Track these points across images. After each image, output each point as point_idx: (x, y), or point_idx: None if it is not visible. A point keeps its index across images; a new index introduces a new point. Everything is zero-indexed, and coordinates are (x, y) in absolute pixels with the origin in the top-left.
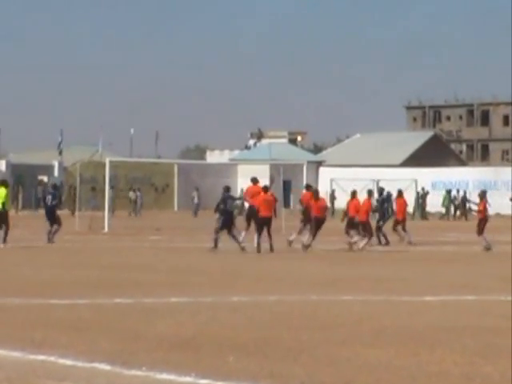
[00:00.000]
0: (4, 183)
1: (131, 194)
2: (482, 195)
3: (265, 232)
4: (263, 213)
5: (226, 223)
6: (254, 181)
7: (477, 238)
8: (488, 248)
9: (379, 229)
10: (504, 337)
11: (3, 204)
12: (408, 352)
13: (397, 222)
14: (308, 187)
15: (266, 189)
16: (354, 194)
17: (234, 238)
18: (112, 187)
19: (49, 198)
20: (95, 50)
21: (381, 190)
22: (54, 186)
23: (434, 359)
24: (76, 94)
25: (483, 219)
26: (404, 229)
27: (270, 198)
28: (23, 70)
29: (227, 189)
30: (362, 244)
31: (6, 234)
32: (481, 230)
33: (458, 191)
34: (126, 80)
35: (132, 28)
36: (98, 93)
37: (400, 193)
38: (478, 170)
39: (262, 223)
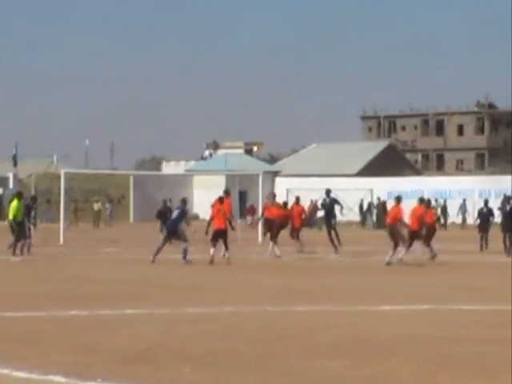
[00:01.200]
0: (18, 195)
1: (96, 206)
2: (428, 204)
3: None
4: (216, 225)
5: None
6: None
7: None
8: (434, 257)
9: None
10: (460, 346)
11: (14, 216)
12: (364, 362)
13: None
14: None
15: (221, 200)
16: (297, 199)
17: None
18: (75, 200)
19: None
20: (50, 61)
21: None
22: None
23: (390, 369)
24: (31, 105)
25: (432, 229)
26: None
27: (225, 209)
28: None
29: (184, 201)
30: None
31: (15, 245)
32: (429, 239)
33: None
34: (81, 91)
35: (87, 39)
36: (52, 104)
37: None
38: (433, 180)
39: (216, 235)
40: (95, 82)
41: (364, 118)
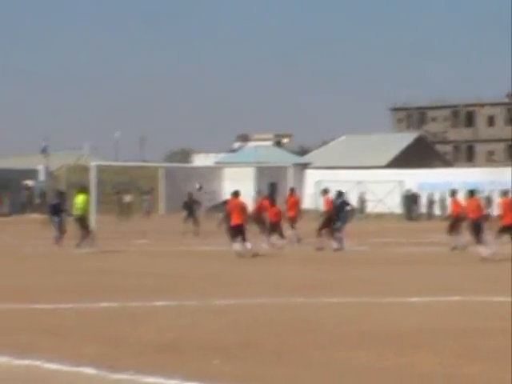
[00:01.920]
0: (84, 190)
1: (127, 198)
2: (452, 195)
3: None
4: (234, 221)
5: None
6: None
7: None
8: (455, 248)
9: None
10: (488, 338)
11: (82, 210)
12: (391, 354)
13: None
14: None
15: (236, 195)
16: (325, 191)
17: None
18: (118, 192)
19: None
20: (81, 55)
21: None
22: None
23: (417, 361)
24: (61, 98)
25: (456, 218)
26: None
27: (241, 204)
28: (7, 75)
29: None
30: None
31: (82, 239)
32: (452, 229)
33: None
34: (112, 84)
35: (117, 33)
36: (83, 97)
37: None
38: (463, 171)
39: (234, 231)
40: (126, 74)
41: (394, 110)
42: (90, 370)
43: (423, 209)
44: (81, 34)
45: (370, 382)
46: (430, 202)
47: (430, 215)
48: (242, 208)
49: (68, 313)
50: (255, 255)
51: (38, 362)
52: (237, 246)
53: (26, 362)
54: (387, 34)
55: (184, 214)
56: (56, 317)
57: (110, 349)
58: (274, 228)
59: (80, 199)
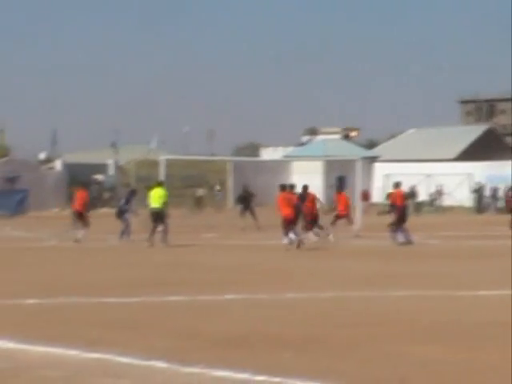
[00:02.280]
0: (160, 184)
1: (199, 191)
2: None
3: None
4: (284, 214)
5: None
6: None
7: None
8: None
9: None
10: None
11: (161, 203)
12: (461, 347)
13: None
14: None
15: (284, 188)
16: (397, 185)
17: None
18: (190, 186)
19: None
20: (145, 50)
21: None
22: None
23: (487, 354)
24: (130, 93)
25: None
26: None
27: (290, 196)
28: (76, 72)
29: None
30: None
31: (165, 233)
32: None
33: None
34: (180, 78)
35: (183, 27)
36: (151, 91)
37: None
38: None
39: (286, 224)
40: (194, 69)
41: (463, 102)
42: (160, 364)
43: (492, 201)
44: (143, 29)
45: (440, 376)
46: (497, 195)
47: (498, 208)
48: (290, 201)
49: (138, 306)
50: (299, 247)
51: (108, 356)
52: (287, 238)
53: (97, 355)
54: (456, 26)
55: (240, 207)
56: (126, 311)
57: (180, 342)
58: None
59: (158, 193)
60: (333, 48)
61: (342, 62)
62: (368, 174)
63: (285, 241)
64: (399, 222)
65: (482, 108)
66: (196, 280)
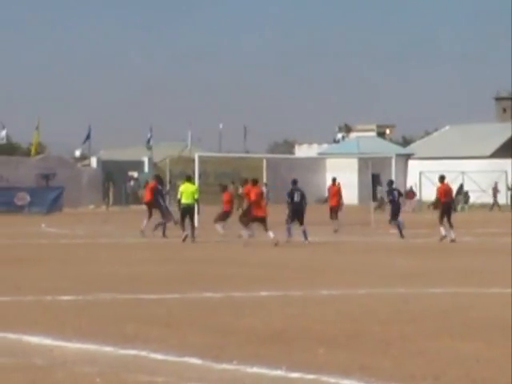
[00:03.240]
0: (190, 179)
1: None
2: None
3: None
4: (255, 212)
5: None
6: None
7: None
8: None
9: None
10: None
11: (192, 199)
12: (498, 344)
13: None
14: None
15: (255, 183)
16: (442, 178)
17: None
18: (233, 182)
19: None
20: (182, 47)
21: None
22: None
23: None
24: (165, 90)
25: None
26: None
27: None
28: (111, 70)
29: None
30: None
31: (192, 229)
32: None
33: None
34: (215, 76)
35: (214, 27)
36: (187, 89)
37: None
38: None
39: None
40: (229, 67)
41: (498, 99)
42: (195, 360)
43: None
44: (181, 28)
45: (476, 372)
46: None
47: None
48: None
49: (173, 303)
50: (277, 244)
51: (143, 352)
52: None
53: (133, 351)
54: (494, 22)
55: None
56: (161, 307)
57: (215, 339)
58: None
59: (190, 188)
60: (367, 45)
61: (376, 59)
62: (403, 171)
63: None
64: (442, 217)
65: None
66: (231, 276)
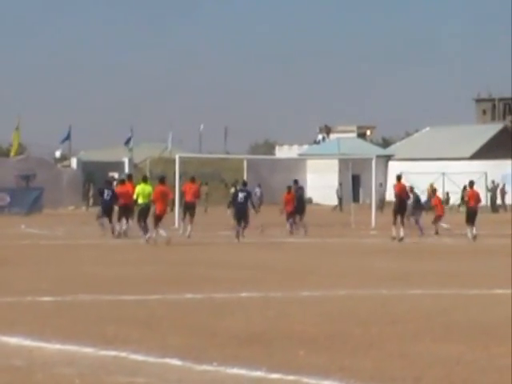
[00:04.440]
0: (145, 180)
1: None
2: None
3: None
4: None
5: None
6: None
7: None
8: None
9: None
10: None
11: (146, 199)
12: (478, 346)
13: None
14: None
15: (163, 181)
16: (399, 177)
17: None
18: (225, 185)
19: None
20: (162, 48)
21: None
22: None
23: (504, 353)
24: (145, 91)
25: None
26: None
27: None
28: (92, 70)
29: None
30: None
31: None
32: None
33: None
34: (195, 77)
35: (195, 27)
36: (166, 90)
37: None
38: None
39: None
40: (208, 67)
41: (478, 101)
42: (175, 362)
43: (508, 200)
44: (157, 27)
45: (457, 374)
46: None
47: None
48: (165, 195)
49: (154, 304)
50: (168, 243)
51: (124, 353)
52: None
53: (113, 352)
54: (472, 23)
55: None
56: (142, 308)
57: (195, 340)
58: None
59: (146, 189)
60: (347, 45)
61: (357, 59)
62: (383, 172)
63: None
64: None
65: (498, 107)
66: (212, 278)
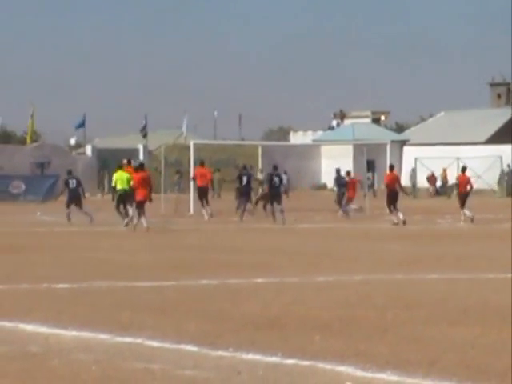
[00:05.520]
0: (121, 167)
1: (259, 175)
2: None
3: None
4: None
5: None
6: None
7: None
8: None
9: None
10: None
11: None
12: (493, 329)
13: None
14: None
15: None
16: (463, 169)
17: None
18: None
19: None
20: (177, 34)
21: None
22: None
23: None
24: (160, 77)
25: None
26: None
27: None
28: (106, 57)
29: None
30: None
31: (127, 215)
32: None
33: None
34: (209, 63)
35: (209, 14)
36: (181, 76)
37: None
38: None
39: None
40: (223, 53)
41: (493, 85)
42: (190, 348)
43: None
44: (176, 15)
45: (472, 358)
46: None
47: None
48: (147, 181)
49: (169, 290)
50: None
51: (139, 340)
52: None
53: (128, 339)
54: (486, 7)
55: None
56: (157, 294)
57: (210, 326)
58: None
59: (124, 175)
60: (361, 31)
61: (371, 45)
62: (398, 157)
63: (136, 221)
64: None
65: None
66: (227, 263)
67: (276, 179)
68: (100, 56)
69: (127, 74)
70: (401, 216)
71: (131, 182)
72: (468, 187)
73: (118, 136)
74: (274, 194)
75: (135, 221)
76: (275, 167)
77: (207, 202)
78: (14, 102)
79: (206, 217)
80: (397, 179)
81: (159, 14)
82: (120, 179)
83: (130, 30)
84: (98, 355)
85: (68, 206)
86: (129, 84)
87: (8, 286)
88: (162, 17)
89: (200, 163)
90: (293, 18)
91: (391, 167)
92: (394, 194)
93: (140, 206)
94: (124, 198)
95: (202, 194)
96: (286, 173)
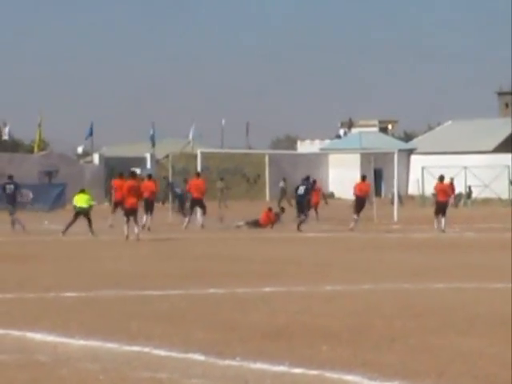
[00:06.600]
0: (83, 191)
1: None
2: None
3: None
4: (129, 204)
5: None
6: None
7: None
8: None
9: None
10: None
11: (90, 204)
12: (501, 339)
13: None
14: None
15: (134, 175)
16: (441, 178)
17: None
18: (221, 179)
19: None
20: (184, 42)
21: None
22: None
23: None
24: (167, 86)
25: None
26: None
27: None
28: (113, 65)
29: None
30: None
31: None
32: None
33: None
34: (217, 71)
35: (216, 21)
36: (188, 85)
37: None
38: None
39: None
40: (230, 62)
41: (501, 94)
42: (198, 357)
43: None
44: (182, 22)
45: (480, 368)
46: None
47: None
48: (135, 190)
49: (177, 299)
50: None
51: (147, 349)
52: (125, 227)
53: (136, 348)
54: (495, 16)
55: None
56: (165, 303)
57: (218, 335)
58: None
59: (84, 197)
60: (369, 39)
61: (379, 53)
62: (405, 166)
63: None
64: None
65: None
66: (235, 272)
67: (301, 188)
68: (108, 65)
69: (134, 82)
70: (352, 224)
71: (91, 202)
72: (449, 198)
73: (126, 144)
74: (298, 202)
75: (136, 230)
76: (307, 178)
77: (204, 213)
78: (22, 110)
79: (184, 224)
80: (368, 189)
81: (167, 23)
82: (79, 200)
83: (138, 39)
84: (106, 364)
85: (12, 213)
86: (136, 93)
87: (16, 295)
88: (170, 26)
89: (196, 174)
90: (300, 29)
91: (363, 177)
92: (362, 201)
93: (130, 214)
94: (81, 215)
95: (195, 204)
96: (284, 180)
